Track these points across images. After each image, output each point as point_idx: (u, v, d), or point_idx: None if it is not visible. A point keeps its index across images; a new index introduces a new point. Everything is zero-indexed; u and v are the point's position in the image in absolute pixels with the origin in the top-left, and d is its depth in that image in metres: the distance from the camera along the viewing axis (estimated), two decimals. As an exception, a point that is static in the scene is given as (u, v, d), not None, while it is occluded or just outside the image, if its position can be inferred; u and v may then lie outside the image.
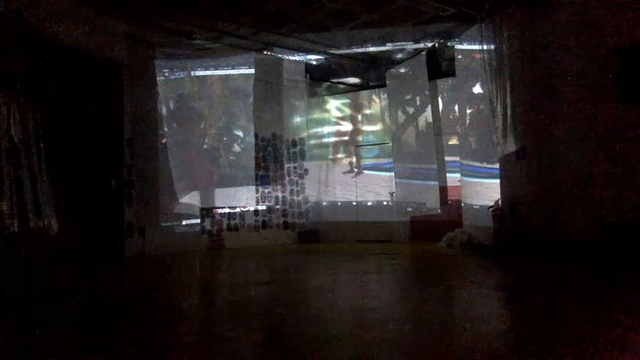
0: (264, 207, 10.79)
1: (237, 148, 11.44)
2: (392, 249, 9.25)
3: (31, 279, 6.33)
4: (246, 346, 3.68)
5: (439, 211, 9.88)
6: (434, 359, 3.24)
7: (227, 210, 10.53)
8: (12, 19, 6.47)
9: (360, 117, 11.62)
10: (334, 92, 11.92)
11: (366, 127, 11.58)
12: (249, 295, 5.80)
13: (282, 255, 9.47)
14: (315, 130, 11.74)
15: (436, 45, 9.81)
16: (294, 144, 11.26)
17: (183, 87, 10.94)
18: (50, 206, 7.17)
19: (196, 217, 10.14)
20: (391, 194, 10.62)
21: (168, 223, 9.75)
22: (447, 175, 10.00)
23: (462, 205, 9.38)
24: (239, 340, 3.83)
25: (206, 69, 10.81)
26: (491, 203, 8.32)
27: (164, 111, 10.32)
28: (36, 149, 7.06)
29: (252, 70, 10.58)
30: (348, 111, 11.75)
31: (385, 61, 10.80)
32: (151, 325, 4.36)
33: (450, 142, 10.12)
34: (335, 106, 11.81)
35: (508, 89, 7.92)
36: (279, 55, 10.64)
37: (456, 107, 10.11)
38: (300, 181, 11.27)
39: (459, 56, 9.39)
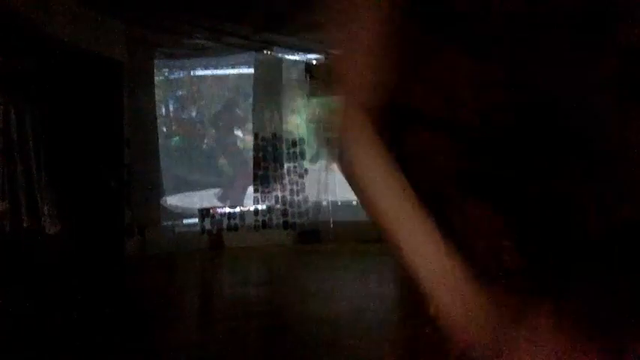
0: (264, 207, 10.76)
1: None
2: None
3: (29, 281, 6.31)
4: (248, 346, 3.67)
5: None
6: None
7: (227, 210, 10.51)
8: (10, 17, 6.45)
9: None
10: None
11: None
12: (250, 295, 5.79)
13: (282, 255, 9.46)
14: (315, 129, 11.71)
15: (436, 44, 9.78)
16: (294, 144, 11.24)
17: (183, 87, 10.94)
18: (48, 206, 7.15)
19: (195, 217, 10.14)
20: (391, 194, 10.60)
21: (169, 223, 9.74)
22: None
23: (463, 204, 9.34)
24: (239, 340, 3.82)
25: (206, 68, 10.80)
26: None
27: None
28: (34, 149, 7.04)
29: (252, 70, 10.56)
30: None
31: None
32: (151, 324, 4.35)
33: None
34: (335, 105, 11.79)
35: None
36: (280, 55, 10.62)
37: (456, 106, 10.08)
38: (300, 181, 11.24)
39: (460, 55, 9.36)
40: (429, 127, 0.77)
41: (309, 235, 11.18)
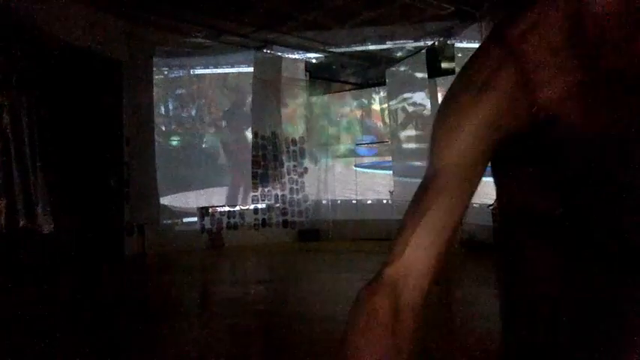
0: (263, 205, 10.77)
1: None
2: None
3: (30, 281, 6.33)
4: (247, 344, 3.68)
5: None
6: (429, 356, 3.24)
7: (227, 208, 10.51)
8: (9, 15, 6.45)
9: (359, 115, 11.60)
10: (334, 90, 11.91)
11: (365, 126, 11.57)
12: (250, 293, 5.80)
13: (281, 253, 9.47)
14: (314, 128, 11.73)
15: (436, 43, 9.79)
16: (293, 142, 11.24)
17: (182, 86, 10.93)
18: (46, 204, 7.15)
19: (195, 216, 10.14)
20: (391, 193, 10.61)
21: (169, 221, 9.74)
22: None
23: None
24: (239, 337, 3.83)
25: (205, 67, 10.78)
26: (491, 201, 8.30)
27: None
28: (33, 147, 7.05)
29: (252, 69, 10.55)
30: (347, 109, 11.73)
31: (385, 60, 10.78)
32: (152, 322, 4.36)
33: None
34: (334, 104, 11.80)
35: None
36: (279, 54, 10.62)
37: (456, 105, 10.08)
38: (299, 180, 11.25)
39: (459, 54, 9.36)
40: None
41: (308, 233, 11.19)
